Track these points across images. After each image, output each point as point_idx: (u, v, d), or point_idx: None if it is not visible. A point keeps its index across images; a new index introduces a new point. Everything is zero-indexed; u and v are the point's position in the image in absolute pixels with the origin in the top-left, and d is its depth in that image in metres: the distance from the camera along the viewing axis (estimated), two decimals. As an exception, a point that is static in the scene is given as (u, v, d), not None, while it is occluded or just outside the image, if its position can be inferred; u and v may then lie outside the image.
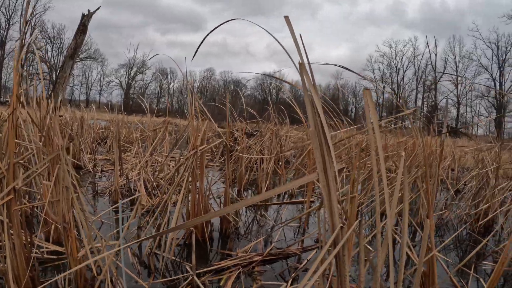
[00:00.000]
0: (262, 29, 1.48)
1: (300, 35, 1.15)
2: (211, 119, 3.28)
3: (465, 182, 5.13)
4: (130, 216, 3.23)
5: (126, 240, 2.77)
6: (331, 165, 1.10)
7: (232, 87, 57.33)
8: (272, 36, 1.49)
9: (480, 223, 3.81)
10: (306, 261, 2.56)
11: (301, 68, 1.12)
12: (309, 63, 1.13)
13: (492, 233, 3.73)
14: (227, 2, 76.50)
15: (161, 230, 2.68)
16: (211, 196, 3.08)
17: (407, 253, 2.25)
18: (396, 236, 2.78)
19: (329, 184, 1.11)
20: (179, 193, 2.69)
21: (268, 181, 4.75)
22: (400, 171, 1.24)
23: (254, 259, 2.50)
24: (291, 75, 52.85)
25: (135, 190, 4.31)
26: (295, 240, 3.15)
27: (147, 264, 2.44)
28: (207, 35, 1.96)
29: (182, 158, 3.01)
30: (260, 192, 4.66)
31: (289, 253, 2.65)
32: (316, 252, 2.72)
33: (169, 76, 57.98)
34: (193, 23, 72.58)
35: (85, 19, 13.99)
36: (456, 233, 3.66)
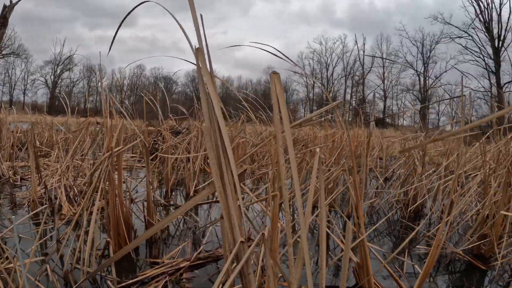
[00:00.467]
0: (179, 23, 1.35)
1: (201, 15, 1.01)
2: (127, 117, 3.05)
3: (393, 170, 5.27)
4: (53, 227, 2.94)
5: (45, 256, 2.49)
6: (229, 168, 0.96)
7: (162, 84, 55.98)
8: (180, 26, 1.35)
9: (410, 208, 3.91)
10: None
11: (198, 53, 0.98)
12: (206, 48, 0.98)
13: (424, 219, 3.85)
14: (157, -4, 74.26)
15: (78, 243, 2.43)
16: (137, 201, 2.86)
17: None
18: (328, 230, 2.73)
19: (225, 191, 0.96)
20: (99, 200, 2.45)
21: (196, 180, 4.56)
22: (315, 167, 1.14)
23: (182, 265, 2.33)
24: (222, 71, 52.67)
25: (56, 198, 3.96)
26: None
27: (67, 280, 2.20)
28: (122, 22, 1.77)
29: (97, 161, 2.74)
30: (188, 192, 4.47)
31: (218, 255, 2.51)
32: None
33: (97, 74, 55.36)
34: (122, 18, 69.56)
35: (6, 10, 12.82)
36: (384, 219, 3.71)
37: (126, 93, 56.44)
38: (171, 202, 4.25)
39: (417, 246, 3.02)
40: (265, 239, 1.03)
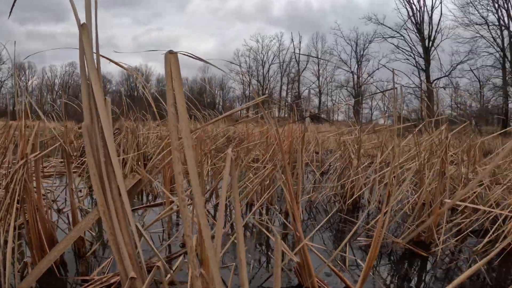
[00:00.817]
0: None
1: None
2: (42, 119, 2.73)
3: (329, 164, 5.28)
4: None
5: None
6: (113, 181, 0.74)
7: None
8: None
9: (348, 201, 3.90)
10: (172, 272, 2.24)
11: (82, 29, 0.78)
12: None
13: (363, 211, 3.85)
14: (90, -10, 70.60)
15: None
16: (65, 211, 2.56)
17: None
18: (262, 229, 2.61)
19: (109, 209, 0.74)
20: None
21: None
22: (227, 167, 0.99)
23: (112, 280, 2.10)
24: (158, 69, 51.40)
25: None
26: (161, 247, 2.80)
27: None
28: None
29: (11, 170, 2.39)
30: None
31: (151, 265, 2.30)
32: (183, 257, 2.43)
33: (27, 72, 51.43)
34: (55, 12, 65.61)
35: None
36: (325, 220, 3.66)
37: (57, 93, 53.18)
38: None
39: (358, 239, 2.98)
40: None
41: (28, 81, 51.57)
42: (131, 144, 4.65)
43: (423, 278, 2.40)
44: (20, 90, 2.55)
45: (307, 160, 5.42)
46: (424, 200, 2.91)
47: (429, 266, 2.57)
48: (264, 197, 3.17)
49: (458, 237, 2.91)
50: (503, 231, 2.70)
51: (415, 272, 2.49)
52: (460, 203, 2.82)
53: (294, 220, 1.89)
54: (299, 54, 47.78)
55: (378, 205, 3.90)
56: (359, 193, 3.88)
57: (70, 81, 55.20)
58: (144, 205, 3.85)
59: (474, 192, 3.26)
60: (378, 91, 42.33)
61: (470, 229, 3.09)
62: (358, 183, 3.88)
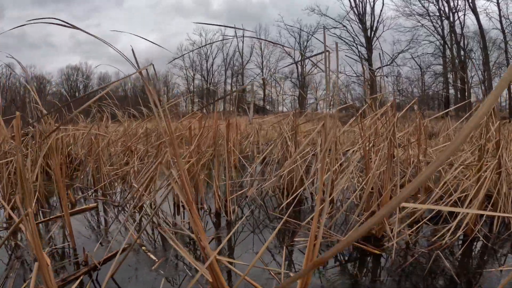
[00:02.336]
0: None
1: None
2: None
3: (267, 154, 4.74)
4: None
5: None
6: None
7: (35, 84, 50.25)
8: None
9: (288, 195, 3.40)
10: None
11: None
12: None
13: (304, 205, 3.38)
14: (27, -13, 66.44)
15: None
16: None
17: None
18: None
19: None
20: None
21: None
22: None
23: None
24: (99, 68, 49.18)
25: None
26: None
27: None
28: None
29: None
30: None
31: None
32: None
33: None
34: None
35: None
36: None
37: (-11, 97, 49.53)
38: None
39: (296, 239, 2.49)
40: None
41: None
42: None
43: (378, 284, 1.95)
44: None
45: (249, 151, 4.94)
46: (372, 189, 2.50)
47: (384, 265, 2.13)
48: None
49: (414, 228, 2.51)
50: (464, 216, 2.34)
51: (367, 272, 2.05)
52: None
53: (196, 227, 1.37)
54: (243, 46, 47.29)
55: (322, 197, 3.46)
56: (302, 186, 3.39)
57: (7, 83, 51.37)
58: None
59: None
60: (323, 80, 42.78)
61: (427, 218, 2.73)
62: (298, 173, 3.42)
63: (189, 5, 64.96)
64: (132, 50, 1.47)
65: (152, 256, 2.18)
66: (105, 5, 65.10)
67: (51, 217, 2.96)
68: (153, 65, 1.43)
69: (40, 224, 2.87)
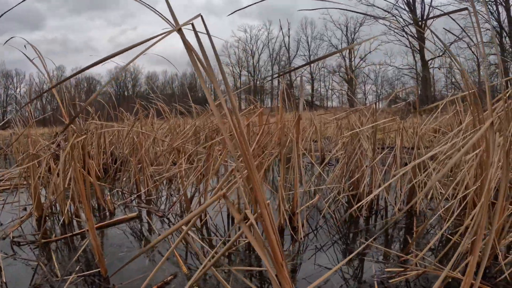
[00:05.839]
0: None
1: None
2: None
3: (336, 154, 4.13)
4: None
5: None
6: None
7: (85, 85, 51.79)
8: None
9: (360, 204, 2.78)
10: None
11: None
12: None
13: (383, 219, 2.81)
14: (63, -3, 68.87)
15: None
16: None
17: None
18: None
19: None
20: None
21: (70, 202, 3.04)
22: None
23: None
24: (147, 67, 50.22)
25: None
26: None
27: None
28: None
29: None
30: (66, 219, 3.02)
31: None
32: None
33: (15, 79, 49.61)
34: (30, 21, 64.08)
35: None
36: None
37: (47, 99, 51.49)
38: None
39: (387, 270, 1.91)
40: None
41: (17, 88, 49.81)
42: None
43: None
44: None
45: (303, 150, 4.40)
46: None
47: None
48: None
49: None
50: None
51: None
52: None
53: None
54: (289, 41, 46.51)
55: (400, 207, 2.86)
56: (376, 193, 2.74)
57: (59, 85, 52.79)
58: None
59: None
60: (371, 74, 41.41)
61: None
62: (376, 180, 2.82)
63: (219, 4, 65.15)
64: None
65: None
66: (139, 9, 66.40)
67: (74, 233, 2.54)
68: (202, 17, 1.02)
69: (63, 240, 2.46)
